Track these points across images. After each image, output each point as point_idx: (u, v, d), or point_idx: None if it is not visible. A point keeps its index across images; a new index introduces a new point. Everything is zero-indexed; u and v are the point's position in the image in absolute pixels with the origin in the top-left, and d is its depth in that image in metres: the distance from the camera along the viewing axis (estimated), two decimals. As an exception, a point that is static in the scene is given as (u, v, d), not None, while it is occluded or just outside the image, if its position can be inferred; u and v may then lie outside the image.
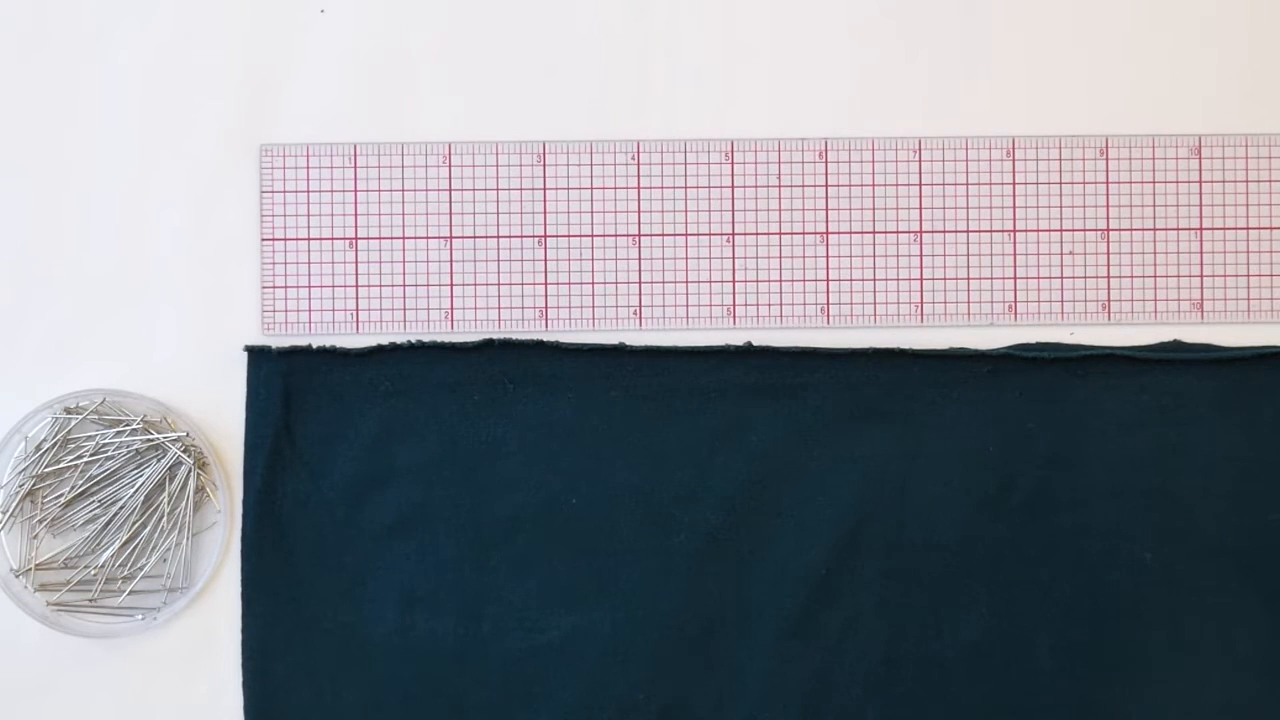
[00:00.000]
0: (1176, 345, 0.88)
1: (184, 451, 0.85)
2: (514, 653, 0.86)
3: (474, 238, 0.88)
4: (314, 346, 0.87)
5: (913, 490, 0.86)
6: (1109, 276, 0.88)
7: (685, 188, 0.88)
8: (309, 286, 0.87)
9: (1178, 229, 0.88)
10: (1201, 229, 0.88)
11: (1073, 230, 0.88)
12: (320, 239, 0.87)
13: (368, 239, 0.87)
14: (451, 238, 0.88)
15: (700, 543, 0.86)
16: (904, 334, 0.88)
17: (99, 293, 0.87)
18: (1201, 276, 0.88)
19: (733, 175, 0.88)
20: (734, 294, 0.88)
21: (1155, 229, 0.88)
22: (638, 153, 0.88)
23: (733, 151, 0.88)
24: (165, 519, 0.85)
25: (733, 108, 0.88)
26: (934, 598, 0.86)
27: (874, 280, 0.88)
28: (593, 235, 0.88)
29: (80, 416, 0.85)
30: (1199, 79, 0.89)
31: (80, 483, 0.85)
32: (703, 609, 0.86)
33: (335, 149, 0.88)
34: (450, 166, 0.88)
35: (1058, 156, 0.88)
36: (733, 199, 0.88)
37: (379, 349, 0.87)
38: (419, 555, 0.86)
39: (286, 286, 0.87)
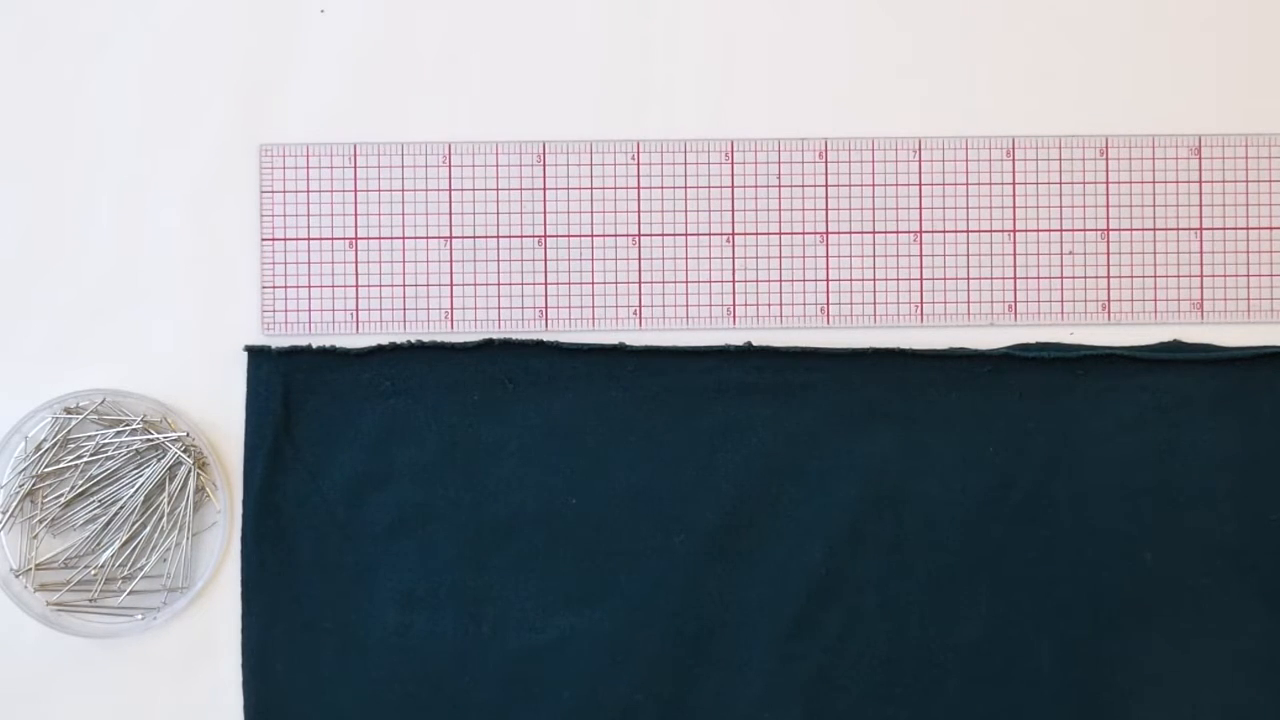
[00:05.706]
0: (1176, 345, 0.88)
1: (184, 451, 0.85)
2: (514, 653, 0.86)
3: (474, 238, 0.88)
4: (314, 346, 0.87)
5: (913, 490, 0.86)
6: (1109, 276, 0.88)
7: (685, 188, 0.88)
8: (309, 286, 0.87)
9: (1178, 229, 0.88)
10: (1201, 229, 0.88)
11: (1073, 230, 0.88)
12: (320, 239, 0.87)
13: (368, 239, 0.87)
14: (451, 238, 0.88)
15: (700, 543, 0.86)
16: (904, 334, 0.88)
17: (99, 293, 0.87)
18: (1201, 276, 0.88)
19: (733, 175, 0.88)
20: (734, 294, 0.88)
21: (1155, 229, 0.88)
22: (638, 153, 0.88)
23: (733, 151, 0.88)
24: (165, 519, 0.85)
25: (733, 108, 0.88)
26: (934, 598, 0.86)
27: (874, 280, 0.88)
28: (593, 235, 0.88)
29: (80, 416, 0.85)
30: (1199, 79, 0.89)
31: (80, 483, 0.85)
32: (703, 609, 0.86)
33: (335, 149, 0.88)
34: (450, 166, 0.88)
35: (1058, 156, 0.88)
36: (733, 199, 0.88)
37: (379, 349, 0.87)
38: (419, 555, 0.86)
39: (286, 286, 0.87)
